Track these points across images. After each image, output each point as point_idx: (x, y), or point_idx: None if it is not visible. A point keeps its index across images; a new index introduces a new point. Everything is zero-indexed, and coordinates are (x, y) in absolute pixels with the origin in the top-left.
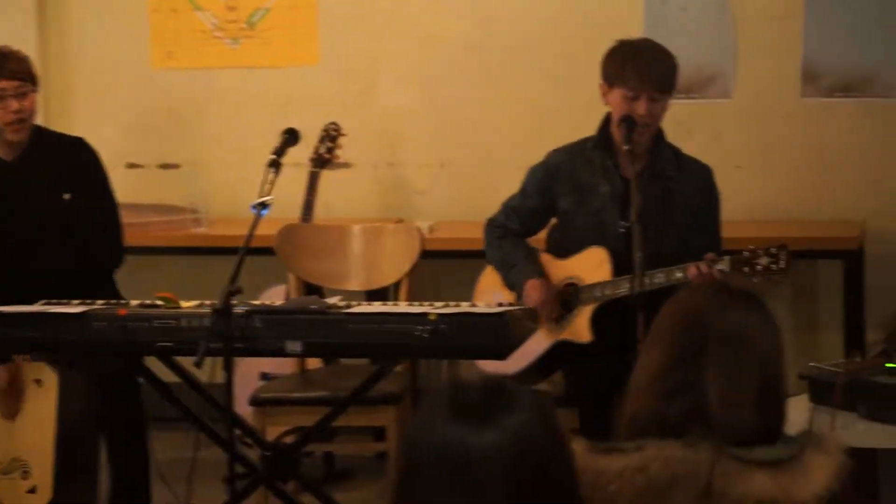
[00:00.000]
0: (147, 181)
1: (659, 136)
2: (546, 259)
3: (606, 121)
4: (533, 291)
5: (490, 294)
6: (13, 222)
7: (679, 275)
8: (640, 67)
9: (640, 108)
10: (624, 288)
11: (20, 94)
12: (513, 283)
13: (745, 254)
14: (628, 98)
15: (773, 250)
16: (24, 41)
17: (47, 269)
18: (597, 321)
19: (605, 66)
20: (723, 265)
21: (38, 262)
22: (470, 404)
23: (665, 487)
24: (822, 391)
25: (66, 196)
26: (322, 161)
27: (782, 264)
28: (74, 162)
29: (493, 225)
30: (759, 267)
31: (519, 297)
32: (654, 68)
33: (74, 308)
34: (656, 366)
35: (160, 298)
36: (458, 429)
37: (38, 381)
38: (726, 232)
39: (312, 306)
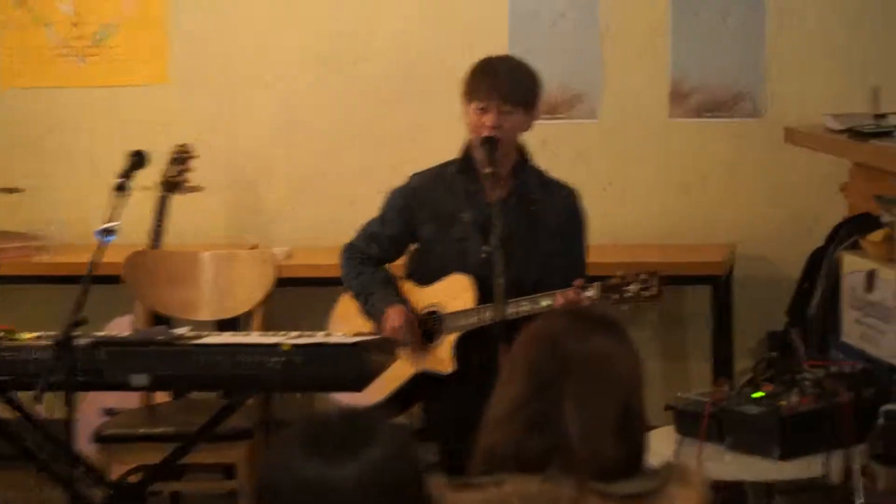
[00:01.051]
0: None
1: (524, 158)
2: (406, 287)
3: (468, 146)
4: (393, 316)
5: (347, 323)
6: None
7: (545, 303)
8: (489, 79)
9: (489, 119)
10: (488, 316)
11: None
12: (371, 312)
13: (615, 280)
14: (479, 110)
15: (644, 276)
16: None
17: None
18: (459, 351)
19: (464, 84)
20: (592, 292)
21: None
22: (328, 437)
23: None
24: (689, 422)
25: None
26: (172, 185)
27: (653, 290)
28: None
29: (352, 251)
30: (628, 294)
31: (378, 325)
32: (503, 79)
33: None
34: (514, 396)
35: None
36: (316, 463)
37: None
38: (593, 257)
39: (160, 337)
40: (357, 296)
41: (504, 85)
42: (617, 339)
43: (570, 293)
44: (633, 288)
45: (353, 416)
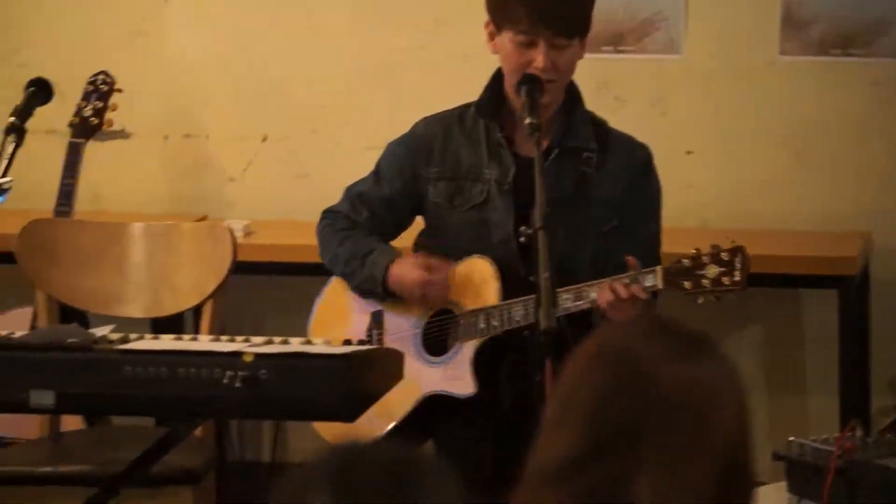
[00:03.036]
0: None
1: (573, 99)
2: None
3: (496, 79)
4: (409, 267)
5: (333, 326)
6: None
7: (589, 297)
8: (536, 0)
9: (539, 58)
10: (518, 315)
11: None
12: (370, 278)
13: (685, 262)
14: (521, 45)
15: (725, 255)
16: None
17: None
18: (481, 365)
19: (490, 0)
20: (652, 280)
21: None
22: (368, 488)
23: None
24: (807, 478)
25: None
26: (87, 128)
27: (737, 276)
28: None
29: (332, 216)
30: (705, 280)
31: (384, 294)
32: (556, 1)
33: None
34: (568, 447)
35: None
36: None
37: None
38: (669, 243)
39: (70, 339)
40: (345, 267)
41: (559, 10)
42: (717, 365)
43: (618, 285)
44: (710, 272)
45: (404, 457)
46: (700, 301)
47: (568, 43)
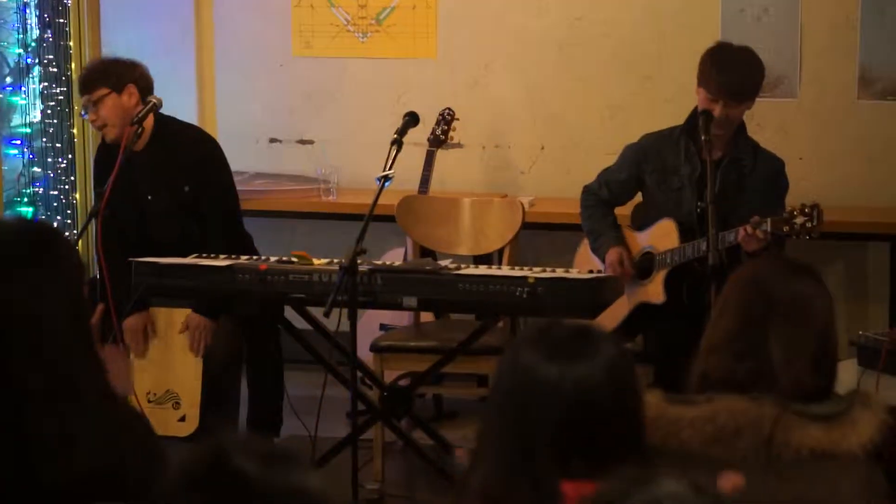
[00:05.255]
0: (286, 154)
1: (740, 128)
2: (628, 233)
3: (693, 113)
4: (612, 256)
5: (587, 263)
6: (135, 209)
7: (731, 237)
8: (722, 77)
9: (717, 110)
10: (689, 253)
11: (93, 105)
12: (597, 249)
13: (784, 214)
14: (709, 100)
15: (808, 209)
16: (183, 35)
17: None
18: (671, 286)
19: (700, 65)
20: (765, 225)
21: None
22: (551, 339)
23: (731, 436)
24: (869, 356)
25: (186, 188)
26: (438, 141)
27: (815, 221)
28: (194, 156)
29: (587, 192)
30: (796, 225)
31: (602, 261)
32: (734, 80)
33: (221, 262)
34: (726, 330)
35: (295, 256)
36: (534, 357)
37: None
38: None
39: (427, 267)
40: (588, 234)
41: (735, 86)
42: (815, 284)
43: (748, 227)
44: (799, 220)
45: (582, 330)
46: (794, 238)
47: (738, 105)
